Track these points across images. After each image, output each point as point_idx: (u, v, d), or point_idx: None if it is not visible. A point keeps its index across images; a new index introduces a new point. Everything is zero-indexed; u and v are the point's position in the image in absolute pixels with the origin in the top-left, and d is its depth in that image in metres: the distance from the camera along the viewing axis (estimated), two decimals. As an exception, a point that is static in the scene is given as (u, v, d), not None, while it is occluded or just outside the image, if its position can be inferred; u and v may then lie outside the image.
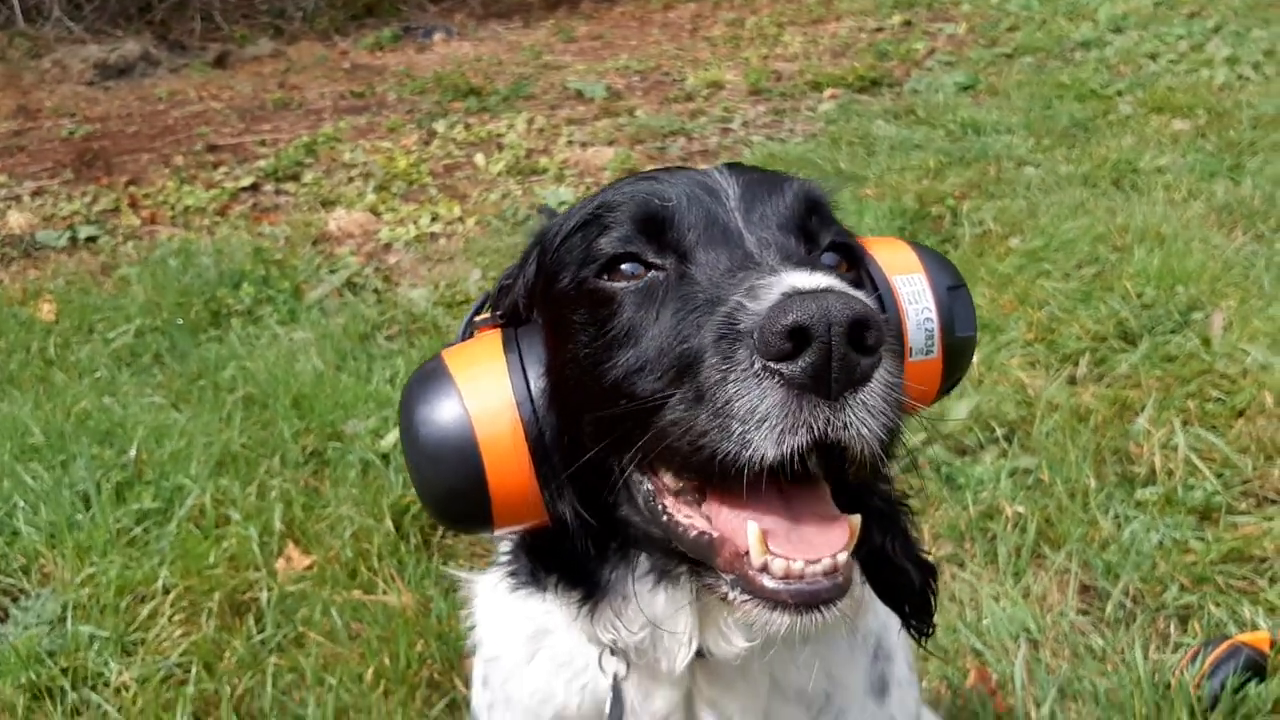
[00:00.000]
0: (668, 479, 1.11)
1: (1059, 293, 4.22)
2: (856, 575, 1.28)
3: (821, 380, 0.94)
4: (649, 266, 1.14)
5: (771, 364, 0.93)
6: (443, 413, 1.17)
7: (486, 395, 1.17)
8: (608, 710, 1.34)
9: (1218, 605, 2.65)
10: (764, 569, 1.04)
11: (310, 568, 2.93)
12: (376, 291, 5.11)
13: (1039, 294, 4.23)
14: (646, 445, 1.05)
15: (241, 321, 4.77)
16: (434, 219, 6.08)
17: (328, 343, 4.33)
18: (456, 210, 6.19)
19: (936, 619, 1.37)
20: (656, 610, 1.23)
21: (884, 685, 1.48)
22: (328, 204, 6.49)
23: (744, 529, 1.05)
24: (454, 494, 1.18)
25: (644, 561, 1.22)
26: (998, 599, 2.72)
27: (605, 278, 1.15)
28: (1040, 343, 3.91)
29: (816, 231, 1.21)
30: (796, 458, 0.97)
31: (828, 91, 7.91)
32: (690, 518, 1.10)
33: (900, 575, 1.32)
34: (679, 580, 1.21)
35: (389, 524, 3.01)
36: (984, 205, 5.34)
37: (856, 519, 1.07)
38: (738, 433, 0.96)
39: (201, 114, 8.91)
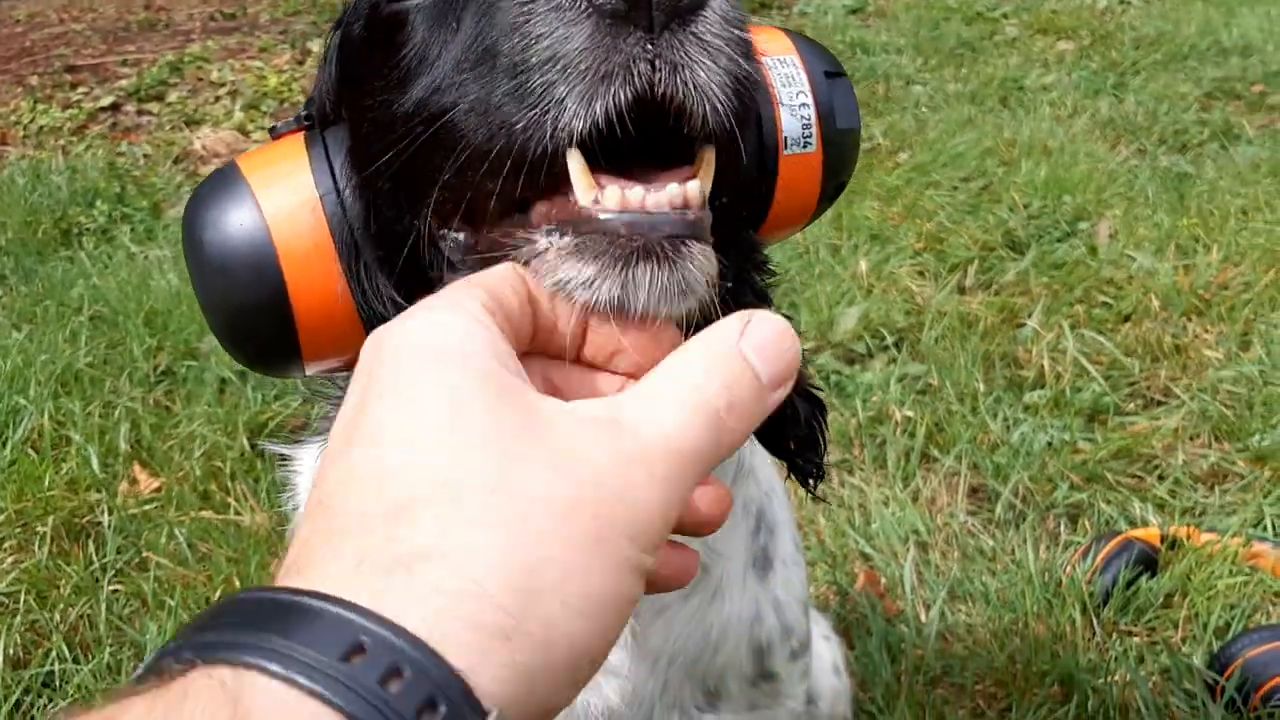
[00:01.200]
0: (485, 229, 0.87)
1: (948, 204, 4.15)
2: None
3: (640, 5, 0.71)
4: None
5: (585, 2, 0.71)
6: (232, 214, 0.94)
7: (284, 193, 0.95)
8: None
9: (1108, 503, 2.60)
10: (594, 204, 0.78)
11: (158, 490, 2.71)
12: (241, 210, 4.81)
13: (928, 205, 4.15)
14: (451, 176, 0.83)
15: (95, 240, 4.45)
16: (305, 137, 5.76)
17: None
18: (329, 128, 5.88)
19: (827, 459, 1.20)
20: None
21: (767, 561, 1.34)
22: (193, 123, 6.12)
23: None
24: (250, 312, 0.95)
25: None
26: (886, 503, 2.63)
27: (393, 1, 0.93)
28: (929, 252, 3.83)
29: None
30: (618, 128, 0.75)
31: (715, 14, 7.74)
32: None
33: (785, 404, 1.14)
34: None
35: (244, 441, 2.80)
36: (873, 122, 5.24)
37: (710, 150, 0.82)
38: (539, 91, 0.74)
39: (62, 35, 8.37)
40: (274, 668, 0.54)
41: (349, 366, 1.05)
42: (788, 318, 1.17)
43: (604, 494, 0.61)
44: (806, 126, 1.09)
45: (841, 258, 3.74)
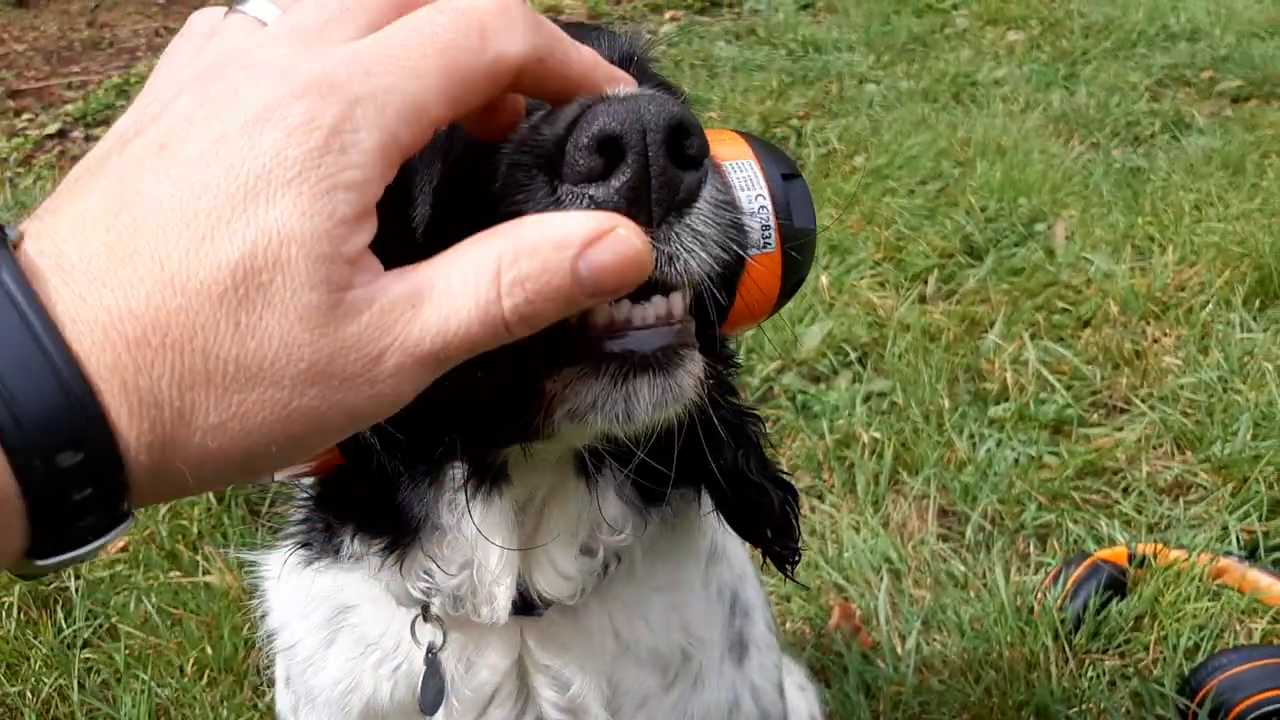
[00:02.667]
0: None
1: (905, 210, 4.16)
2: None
3: (640, 203, 0.71)
4: None
5: (577, 188, 0.71)
6: None
7: None
8: (418, 689, 1.16)
9: (1075, 522, 2.62)
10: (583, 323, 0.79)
11: (125, 549, 2.68)
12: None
13: (885, 212, 4.16)
14: None
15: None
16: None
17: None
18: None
19: (802, 544, 1.21)
20: (470, 534, 1.03)
21: (743, 646, 1.33)
22: (141, 148, 6.03)
23: None
24: None
25: (456, 474, 1.00)
26: (858, 529, 2.64)
27: None
28: (888, 262, 3.84)
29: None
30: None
31: (668, 13, 7.70)
32: None
33: (760, 494, 1.15)
34: (497, 488, 1.01)
35: (210, 496, 2.77)
36: (828, 125, 5.25)
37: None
38: None
39: (3, 57, 8.22)
40: None
41: (317, 473, 1.05)
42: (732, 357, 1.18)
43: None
44: (765, 228, 1.09)
45: (802, 272, 3.74)
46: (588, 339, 0.78)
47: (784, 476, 1.20)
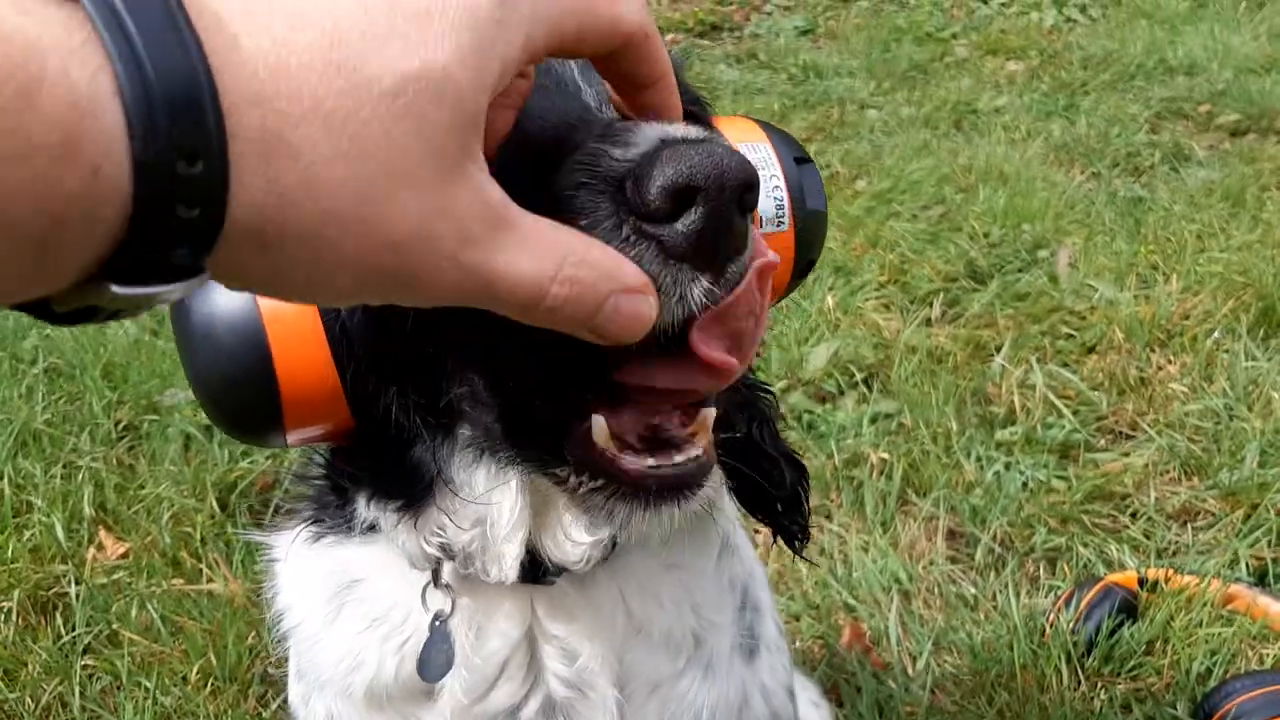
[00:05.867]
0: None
1: (909, 234, 4.18)
2: (719, 481, 1.13)
3: (704, 250, 0.73)
4: None
5: (648, 226, 0.72)
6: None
7: None
8: (421, 654, 1.15)
9: (1085, 546, 2.62)
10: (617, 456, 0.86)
11: (125, 556, 2.65)
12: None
13: (889, 236, 4.17)
14: (480, 341, 0.86)
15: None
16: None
17: (141, 307, 3.97)
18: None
19: (811, 524, 1.23)
20: (479, 490, 1.04)
21: (754, 643, 1.33)
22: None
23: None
24: (234, 380, 0.97)
25: (464, 434, 1.02)
26: (867, 549, 2.63)
27: None
28: (893, 284, 3.85)
29: None
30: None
31: (669, 36, 7.74)
32: None
33: (771, 467, 1.18)
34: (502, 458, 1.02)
35: (213, 503, 2.74)
36: (829, 148, 5.27)
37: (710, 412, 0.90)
38: None
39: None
40: None
41: (331, 438, 1.06)
42: (768, 392, 1.20)
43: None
44: (779, 207, 1.14)
45: (808, 292, 3.75)
46: (620, 465, 0.86)
47: (795, 455, 1.23)
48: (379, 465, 1.06)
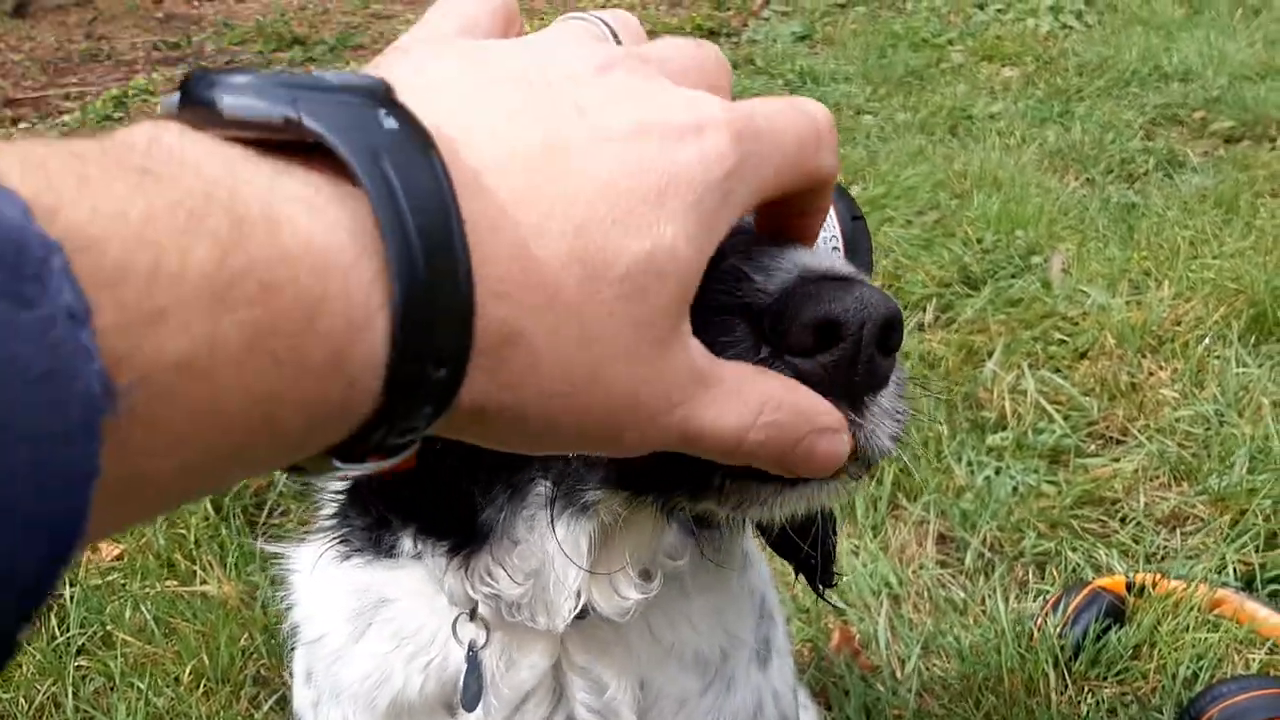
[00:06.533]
0: None
1: (903, 239, 4.19)
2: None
3: (839, 381, 0.74)
4: None
5: (788, 356, 0.74)
6: None
7: None
8: (460, 686, 1.16)
9: (1074, 550, 2.63)
10: None
11: (120, 558, 2.66)
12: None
13: (884, 241, 4.18)
14: None
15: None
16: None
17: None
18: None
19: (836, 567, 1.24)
20: (549, 550, 1.05)
21: (768, 651, 1.35)
22: (138, 160, 6.04)
23: None
24: None
25: (539, 489, 1.02)
26: (857, 553, 2.64)
27: None
28: (888, 289, 3.86)
29: None
30: None
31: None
32: None
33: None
34: (588, 509, 1.02)
35: (207, 505, 2.75)
36: (825, 154, 5.28)
37: None
38: None
39: (0, 65, 8.23)
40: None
41: (384, 473, 1.03)
42: None
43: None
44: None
45: (801, 298, 3.76)
46: None
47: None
48: (434, 508, 1.06)
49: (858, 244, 1.12)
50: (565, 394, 0.56)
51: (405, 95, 0.54)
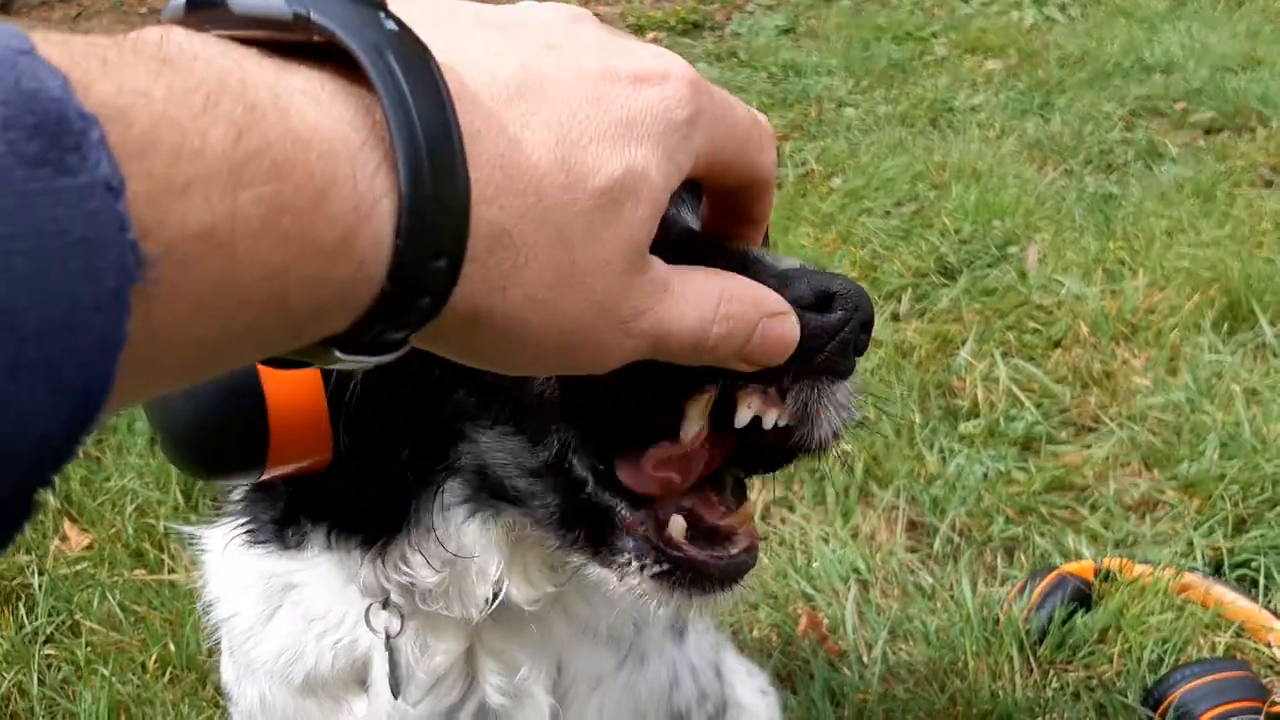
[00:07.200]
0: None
1: (881, 230, 4.20)
2: None
3: (818, 348, 0.81)
4: None
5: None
6: None
7: None
8: (375, 672, 1.17)
9: (1042, 535, 2.64)
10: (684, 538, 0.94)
11: (90, 547, 2.65)
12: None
13: (861, 232, 4.19)
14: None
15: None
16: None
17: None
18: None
19: (771, 513, 1.26)
20: (466, 542, 1.05)
21: (684, 624, 1.36)
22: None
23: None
24: (218, 416, 0.92)
25: (456, 487, 1.02)
26: (827, 540, 2.65)
27: None
28: (863, 280, 3.86)
29: None
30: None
31: (650, 34, 7.75)
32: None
33: None
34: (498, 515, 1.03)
35: (177, 494, 2.75)
36: (806, 146, 5.29)
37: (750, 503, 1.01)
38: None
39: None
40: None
41: (302, 473, 1.01)
42: None
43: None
44: None
45: (778, 288, 3.76)
46: (690, 553, 0.93)
47: None
48: (348, 502, 1.05)
49: None
50: (548, 299, 0.59)
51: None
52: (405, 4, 0.62)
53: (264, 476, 0.99)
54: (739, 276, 0.72)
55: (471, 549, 1.05)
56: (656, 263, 0.66)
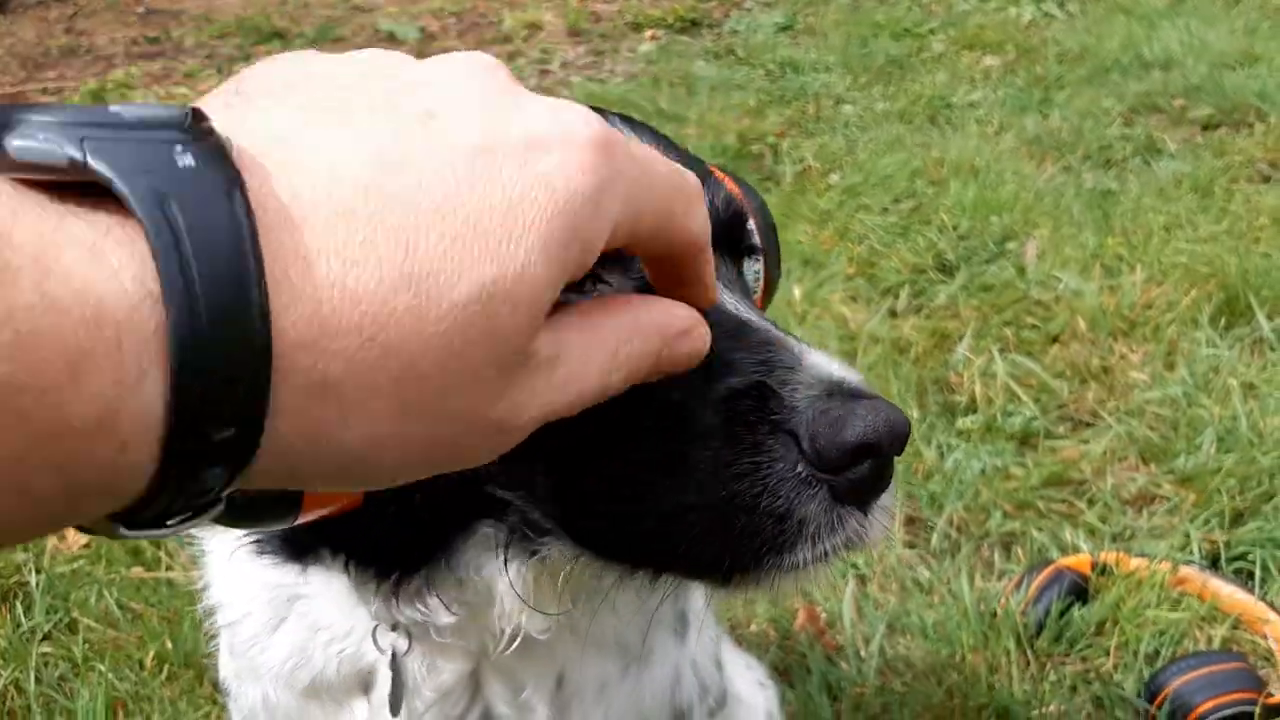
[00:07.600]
0: None
1: (878, 227, 4.20)
2: None
3: (864, 492, 0.81)
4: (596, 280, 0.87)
5: (821, 474, 0.78)
6: None
7: None
8: (377, 688, 1.16)
9: (1040, 530, 2.64)
10: None
11: (88, 545, 2.66)
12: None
13: (859, 229, 4.19)
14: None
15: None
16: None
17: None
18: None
19: None
20: (496, 589, 1.03)
21: (684, 621, 1.35)
22: (117, 155, 6.02)
23: None
24: None
25: (495, 534, 0.99)
26: (824, 536, 2.64)
27: None
28: (861, 277, 3.87)
29: (739, 240, 1.07)
30: None
31: (648, 32, 7.76)
32: None
33: None
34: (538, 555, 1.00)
35: (176, 492, 2.75)
36: (804, 143, 5.29)
37: None
38: (772, 534, 0.80)
39: (-23, 62, 8.20)
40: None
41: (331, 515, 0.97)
42: None
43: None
44: (756, 276, 1.15)
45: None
46: None
47: None
48: (373, 539, 1.03)
49: (770, 254, 1.14)
50: (395, 433, 0.53)
51: (229, 116, 0.51)
52: (263, 78, 0.57)
53: (297, 521, 0.98)
54: (646, 301, 0.68)
55: (498, 594, 1.03)
56: (542, 340, 0.57)
